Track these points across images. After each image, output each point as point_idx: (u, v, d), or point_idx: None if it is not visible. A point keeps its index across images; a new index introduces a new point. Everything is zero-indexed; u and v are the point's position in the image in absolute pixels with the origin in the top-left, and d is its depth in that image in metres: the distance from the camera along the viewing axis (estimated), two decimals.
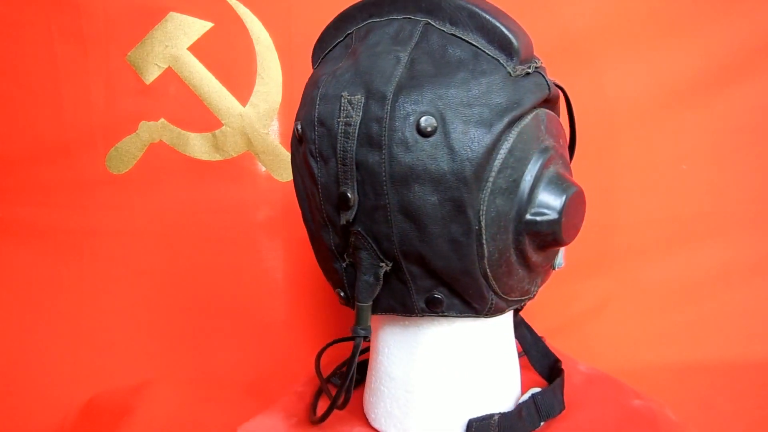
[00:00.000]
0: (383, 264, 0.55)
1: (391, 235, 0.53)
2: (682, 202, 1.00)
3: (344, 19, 0.60)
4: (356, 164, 0.52)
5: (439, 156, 0.50)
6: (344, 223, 0.54)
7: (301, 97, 0.59)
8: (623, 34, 0.96)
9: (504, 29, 0.51)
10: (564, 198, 0.54)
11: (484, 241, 0.52)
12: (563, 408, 0.64)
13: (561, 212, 0.54)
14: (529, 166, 0.53)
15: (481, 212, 0.51)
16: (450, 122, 0.50)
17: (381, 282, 0.55)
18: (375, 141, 0.51)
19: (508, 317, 0.64)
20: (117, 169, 1.01)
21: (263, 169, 1.01)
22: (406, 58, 0.52)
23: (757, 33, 0.95)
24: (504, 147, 0.51)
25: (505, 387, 0.64)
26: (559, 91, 0.60)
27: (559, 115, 0.61)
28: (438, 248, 0.52)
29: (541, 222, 0.54)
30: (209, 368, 1.00)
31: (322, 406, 0.67)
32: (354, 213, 0.53)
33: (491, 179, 0.51)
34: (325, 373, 0.73)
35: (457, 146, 0.50)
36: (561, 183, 0.55)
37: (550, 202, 0.54)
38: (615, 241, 1.02)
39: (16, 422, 0.91)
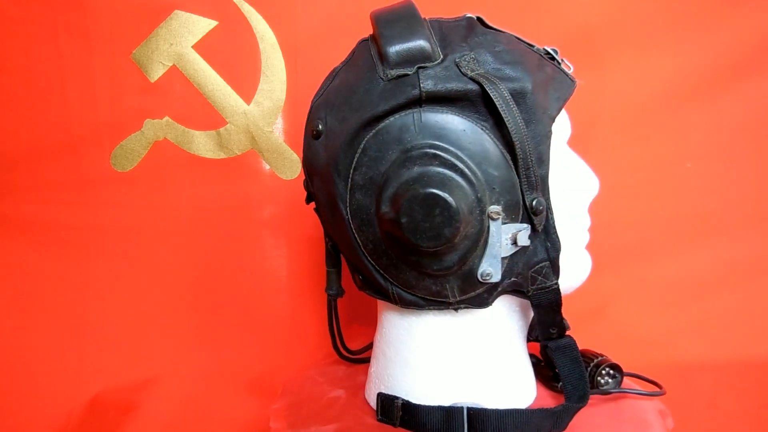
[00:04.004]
0: (327, 239, 0.66)
1: (321, 216, 0.64)
2: (687, 200, 1.00)
3: None
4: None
5: (321, 154, 0.59)
6: (307, 203, 0.68)
7: (305, 95, 0.64)
8: (628, 32, 0.95)
9: (378, 35, 0.55)
10: (403, 198, 0.52)
11: (354, 231, 0.58)
12: None
13: (398, 212, 0.52)
14: (386, 165, 0.54)
15: (347, 204, 0.57)
16: (330, 125, 0.58)
17: (334, 253, 0.67)
18: (303, 142, 0.62)
19: (453, 321, 0.61)
20: (122, 166, 1.01)
21: (267, 167, 1.01)
22: (336, 72, 0.61)
23: (763, 31, 0.94)
24: (359, 146, 0.55)
25: (433, 384, 0.63)
26: (483, 88, 0.52)
27: (521, 110, 0.53)
28: (337, 231, 0.61)
29: (385, 220, 0.54)
30: (214, 365, 1.00)
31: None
32: (308, 196, 0.67)
33: (350, 176, 0.56)
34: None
35: (329, 146, 0.58)
36: (412, 184, 0.52)
37: (392, 201, 0.53)
38: (619, 240, 1.01)
39: (22, 419, 0.92)
